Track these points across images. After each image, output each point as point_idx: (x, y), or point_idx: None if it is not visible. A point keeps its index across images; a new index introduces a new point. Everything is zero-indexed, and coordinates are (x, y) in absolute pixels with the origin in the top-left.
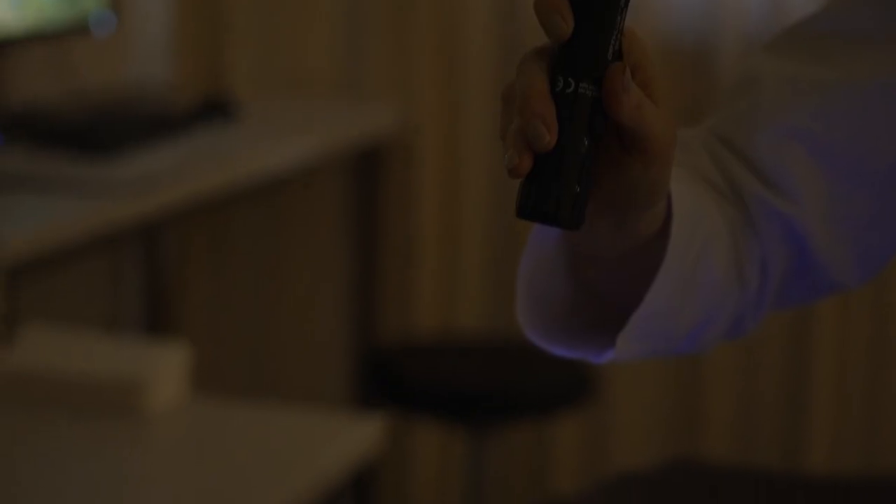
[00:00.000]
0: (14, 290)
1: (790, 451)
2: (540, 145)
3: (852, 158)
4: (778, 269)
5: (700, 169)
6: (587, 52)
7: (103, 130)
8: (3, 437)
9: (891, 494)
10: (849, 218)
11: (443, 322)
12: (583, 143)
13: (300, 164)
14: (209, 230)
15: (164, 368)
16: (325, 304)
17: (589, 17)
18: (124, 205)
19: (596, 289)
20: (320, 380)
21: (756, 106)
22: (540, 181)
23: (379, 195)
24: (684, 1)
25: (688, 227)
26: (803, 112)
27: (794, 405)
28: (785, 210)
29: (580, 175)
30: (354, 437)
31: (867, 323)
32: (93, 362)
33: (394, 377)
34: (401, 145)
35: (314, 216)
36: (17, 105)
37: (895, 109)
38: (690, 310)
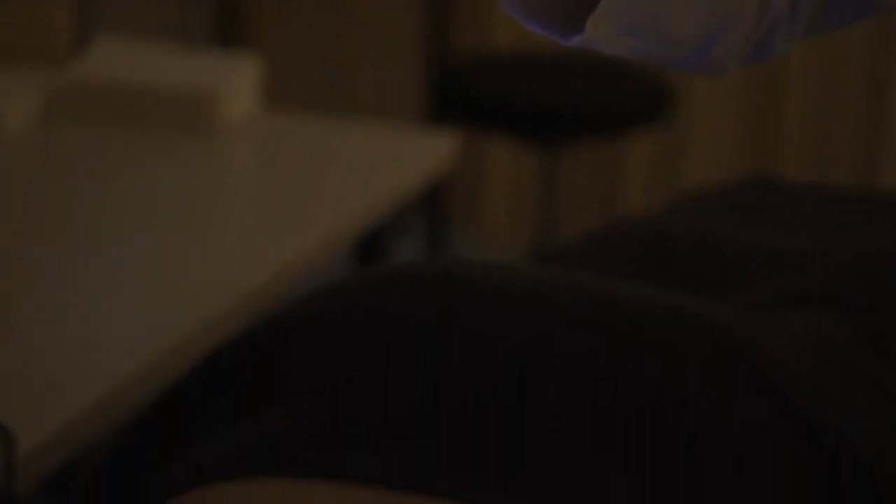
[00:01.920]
0: (84, 2)
1: (866, 170)
2: None
3: None
4: None
5: None
6: None
7: None
8: (73, 150)
9: None
10: None
11: (518, 38)
12: None
13: None
14: None
15: (236, 81)
16: (399, 19)
17: None
18: None
19: None
20: (393, 95)
21: None
22: None
23: None
24: None
25: None
26: None
27: (871, 125)
28: None
29: None
30: (427, 151)
31: None
32: (164, 74)
33: (468, 93)
34: None
35: None
36: None
37: None
38: (688, 14)
